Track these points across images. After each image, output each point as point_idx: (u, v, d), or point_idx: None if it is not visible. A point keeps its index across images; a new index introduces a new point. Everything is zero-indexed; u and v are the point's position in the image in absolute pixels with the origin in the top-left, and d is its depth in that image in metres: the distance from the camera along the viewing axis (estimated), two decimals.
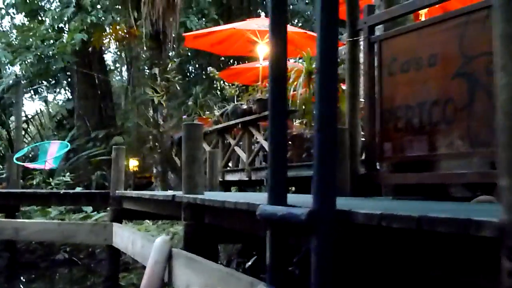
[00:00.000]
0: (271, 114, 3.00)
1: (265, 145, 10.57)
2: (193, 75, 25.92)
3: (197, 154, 5.57)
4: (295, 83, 10.35)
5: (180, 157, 15.97)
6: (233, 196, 5.34)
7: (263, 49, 12.90)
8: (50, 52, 18.76)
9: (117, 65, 30.06)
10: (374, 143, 5.76)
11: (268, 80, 3.09)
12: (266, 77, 11.06)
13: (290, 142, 10.38)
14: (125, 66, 25.35)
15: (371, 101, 5.82)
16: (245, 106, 10.90)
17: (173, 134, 15.84)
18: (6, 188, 12.35)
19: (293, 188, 10.55)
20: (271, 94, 3.01)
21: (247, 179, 11.25)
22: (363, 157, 6.06)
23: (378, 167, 5.93)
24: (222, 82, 26.30)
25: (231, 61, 20.79)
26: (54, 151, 12.56)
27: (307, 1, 24.62)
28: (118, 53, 26.32)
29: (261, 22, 12.63)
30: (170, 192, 6.87)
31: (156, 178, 15.49)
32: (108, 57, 28.90)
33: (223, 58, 21.34)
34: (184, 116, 14.19)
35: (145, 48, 15.89)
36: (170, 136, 15.50)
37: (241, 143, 12.47)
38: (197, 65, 25.61)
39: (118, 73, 30.59)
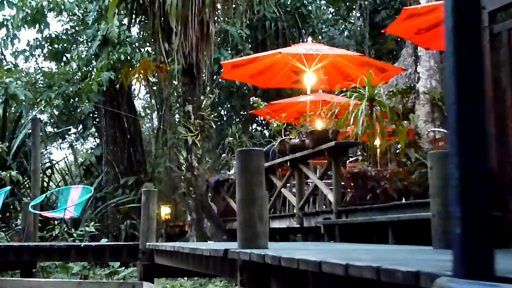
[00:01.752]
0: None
1: (321, 185, 8.91)
2: (226, 117, 24.61)
3: (257, 191, 3.97)
4: (349, 115, 8.76)
5: (217, 202, 14.59)
6: (314, 250, 3.72)
7: (310, 78, 11.35)
8: (75, 91, 17.44)
9: (148, 111, 28.82)
10: (505, 169, 4.11)
11: None
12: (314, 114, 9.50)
13: (352, 183, 8.73)
14: (156, 112, 24.14)
15: (498, 111, 4.18)
16: (296, 140, 9.28)
17: (209, 177, 14.33)
18: (21, 241, 10.84)
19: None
20: None
21: (297, 226, 9.58)
22: None
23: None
24: (259, 121, 25.00)
25: (267, 97, 19.38)
26: (75, 198, 11.04)
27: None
28: (148, 97, 25.13)
29: (309, 46, 11.12)
30: (219, 245, 5.24)
31: (190, 227, 13.86)
32: (138, 103, 27.75)
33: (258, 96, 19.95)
34: (223, 155, 12.61)
35: (176, 82, 14.45)
36: (205, 180, 13.97)
37: (288, 184, 10.84)
38: (229, 106, 24.32)
39: (148, 120, 29.31)
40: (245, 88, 24.09)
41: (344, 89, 12.04)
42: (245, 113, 23.62)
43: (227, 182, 13.43)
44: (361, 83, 8.89)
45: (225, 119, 24.52)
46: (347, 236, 7.70)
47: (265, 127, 24.32)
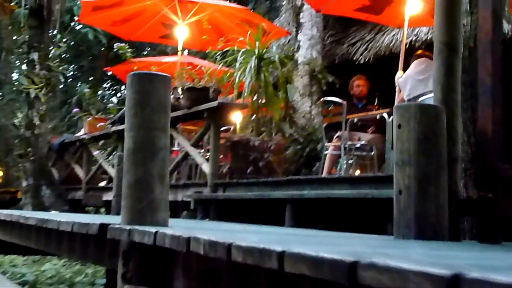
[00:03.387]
0: None
1: (194, 153, 7.60)
2: (72, 78, 22.38)
3: (159, 138, 2.58)
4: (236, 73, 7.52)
5: (59, 167, 12.73)
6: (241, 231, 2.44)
7: (183, 33, 9.91)
8: None
9: None
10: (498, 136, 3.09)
11: None
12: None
13: (230, 152, 7.51)
14: None
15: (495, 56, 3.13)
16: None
17: (52, 139, 12.42)
18: None
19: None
20: None
21: None
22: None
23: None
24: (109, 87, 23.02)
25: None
26: None
27: None
28: None
29: None
30: (87, 218, 3.65)
31: (25, 194, 11.89)
32: None
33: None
34: (75, 110, 10.80)
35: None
36: (47, 141, 12.06)
37: None
38: (76, 66, 22.15)
39: None
40: (96, 47, 22.02)
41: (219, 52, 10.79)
42: (93, 78, 21.63)
43: (73, 145, 11.66)
44: (250, 39, 7.66)
45: (70, 80, 22.31)
46: (225, 214, 6.47)
47: (116, 92, 22.49)
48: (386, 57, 10.44)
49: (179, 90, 7.36)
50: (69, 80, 22.22)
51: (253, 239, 1.87)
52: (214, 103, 6.86)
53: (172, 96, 7.67)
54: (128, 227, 2.45)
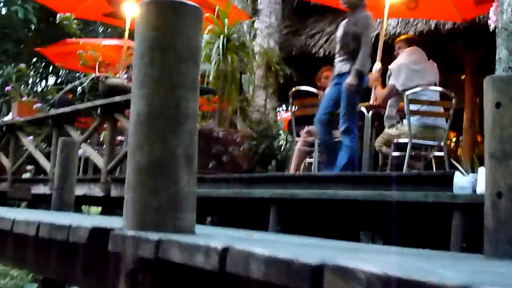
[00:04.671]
0: None
1: None
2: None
3: (187, 101, 1.68)
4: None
5: None
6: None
7: (132, 10, 8.86)
8: None
9: None
10: None
11: None
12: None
13: None
14: None
15: None
16: (117, 80, 6.83)
17: None
18: None
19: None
20: None
21: (102, 194, 7.18)
22: None
23: None
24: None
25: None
26: None
27: None
28: None
29: None
30: (69, 217, 2.60)
31: None
32: None
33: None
34: (7, 88, 9.50)
35: None
36: None
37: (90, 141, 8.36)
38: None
39: None
40: (23, 31, 20.42)
41: None
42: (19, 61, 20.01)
43: None
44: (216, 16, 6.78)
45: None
46: None
47: (45, 77, 20.95)
48: None
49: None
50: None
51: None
52: None
53: (125, 76, 6.71)
54: (137, 234, 1.56)
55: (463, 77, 9.70)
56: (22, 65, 9.13)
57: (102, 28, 20.71)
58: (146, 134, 1.65)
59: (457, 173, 3.60)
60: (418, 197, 3.50)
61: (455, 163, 3.80)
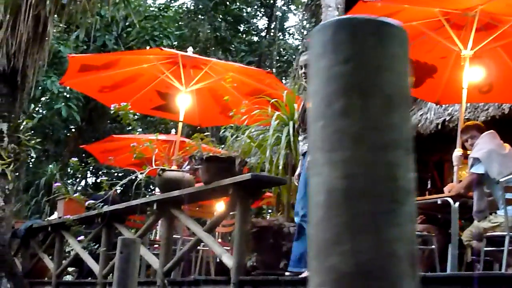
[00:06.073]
0: None
1: (209, 241, 6.01)
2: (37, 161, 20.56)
3: (405, 170, 1.05)
4: (269, 139, 6.10)
5: (24, 257, 10.79)
6: None
7: (186, 101, 8.43)
8: None
9: None
10: None
11: None
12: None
13: (256, 242, 5.96)
14: None
15: None
16: (178, 173, 6.28)
17: (16, 223, 10.67)
18: None
19: None
20: None
21: None
22: None
23: None
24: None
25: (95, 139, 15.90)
26: None
27: None
28: None
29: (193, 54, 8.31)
30: None
31: None
32: None
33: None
34: (56, 184, 9.01)
35: None
36: (11, 226, 10.25)
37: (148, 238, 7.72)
38: (42, 150, 20.42)
39: None
40: (63, 131, 20.40)
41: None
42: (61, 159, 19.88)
43: (43, 232, 9.88)
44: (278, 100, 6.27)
45: (34, 160, 20.47)
46: None
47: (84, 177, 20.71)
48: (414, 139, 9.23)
49: (197, 159, 5.81)
50: (32, 160, 20.42)
51: None
52: (246, 176, 5.31)
53: (188, 167, 6.16)
54: None
55: None
56: (74, 159, 8.67)
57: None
58: (346, 223, 1.03)
59: None
60: None
61: None
